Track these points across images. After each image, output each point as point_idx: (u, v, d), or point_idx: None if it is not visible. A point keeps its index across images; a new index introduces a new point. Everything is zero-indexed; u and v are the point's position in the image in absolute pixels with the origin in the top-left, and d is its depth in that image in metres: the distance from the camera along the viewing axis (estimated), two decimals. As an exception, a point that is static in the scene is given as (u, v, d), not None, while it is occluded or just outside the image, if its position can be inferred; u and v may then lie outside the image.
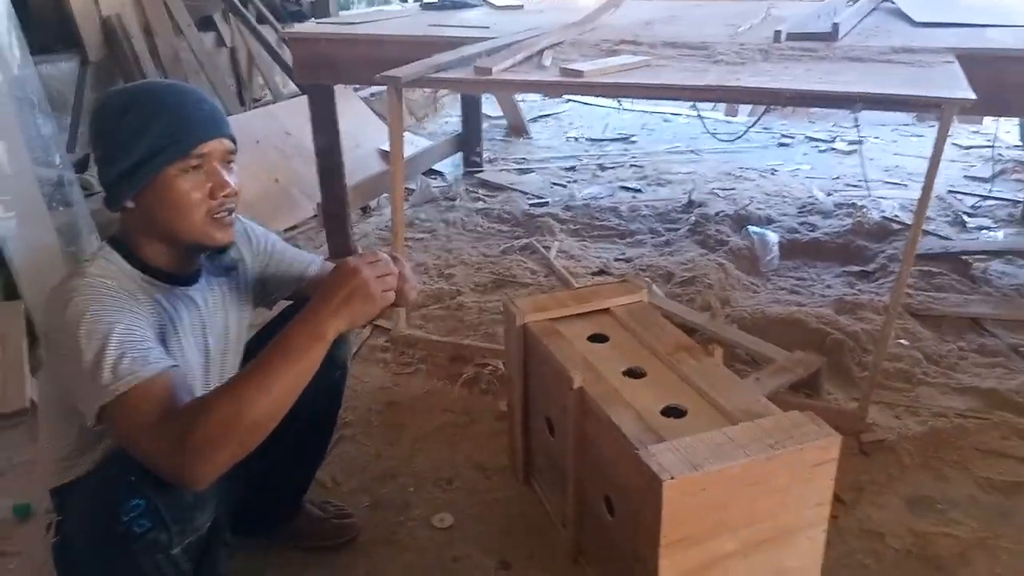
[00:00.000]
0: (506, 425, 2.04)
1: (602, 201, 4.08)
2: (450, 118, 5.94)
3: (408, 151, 3.69)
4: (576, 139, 5.46)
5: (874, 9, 3.26)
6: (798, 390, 2.29)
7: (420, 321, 2.77)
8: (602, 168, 4.73)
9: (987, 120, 5.19)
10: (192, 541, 1.22)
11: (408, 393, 2.37)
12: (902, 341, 2.55)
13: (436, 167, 4.56)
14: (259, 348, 1.18)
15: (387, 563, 1.73)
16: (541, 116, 6.07)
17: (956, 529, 1.79)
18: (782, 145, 5.17)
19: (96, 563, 1.18)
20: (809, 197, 4.03)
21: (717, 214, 3.71)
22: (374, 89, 5.01)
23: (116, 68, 3.92)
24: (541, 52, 2.53)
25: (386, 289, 1.23)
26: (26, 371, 2.37)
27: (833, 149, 5.04)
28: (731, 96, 2.20)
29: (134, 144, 1.22)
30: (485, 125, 5.07)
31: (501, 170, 4.68)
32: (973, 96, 1.81)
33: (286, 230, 3.65)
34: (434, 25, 3.14)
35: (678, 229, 3.62)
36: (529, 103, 6.20)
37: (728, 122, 5.70)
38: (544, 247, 3.41)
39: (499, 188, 4.30)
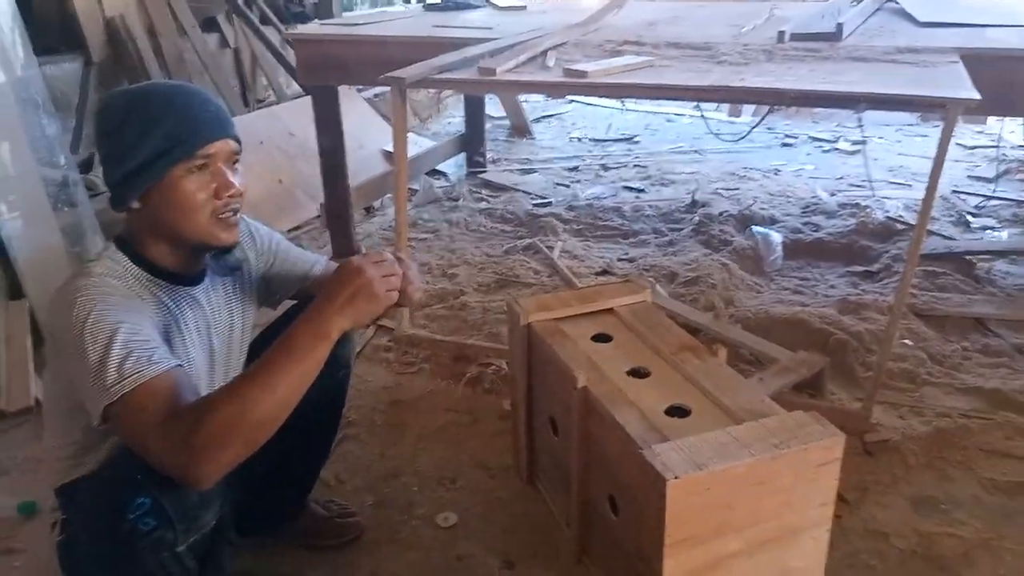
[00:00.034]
0: (510, 424, 2.04)
1: (605, 201, 4.08)
2: (453, 119, 5.94)
3: (411, 151, 3.70)
4: (579, 139, 5.46)
5: (878, 9, 3.26)
6: (801, 390, 2.28)
7: (424, 321, 2.78)
8: (605, 168, 4.73)
9: (991, 120, 5.17)
10: (197, 539, 1.22)
11: (412, 392, 2.37)
12: (906, 341, 2.54)
13: (439, 167, 4.56)
14: (263, 348, 1.18)
15: (391, 562, 1.73)
16: (544, 116, 6.07)
17: (960, 529, 1.79)
18: (785, 145, 5.17)
19: (101, 561, 1.19)
20: (813, 197, 4.02)
21: (721, 214, 3.71)
22: (377, 90, 5.02)
23: (120, 69, 3.93)
24: (545, 53, 2.53)
25: (390, 289, 1.23)
26: (31, 370, 2.37)
27: (837, 149, 5.03)
28: (735, 96, 2.20)
29: (139, 145, 1.23)
30: (488, 126, 5.08)
31: (504, 170, 4.68)
32: (977, 96, 1.81)
33: (290, 230, 3.66)
34: (438, 26, 3.14)
35: (682, 229, 3.62)
36: (532, 104, 6.20)
37: (731, 122, 5.69)
38: (547, 247, 3.41)
39: (502, 188, 4.31)
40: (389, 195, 3.98)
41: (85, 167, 3.39)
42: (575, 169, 4.73)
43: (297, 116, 4.17)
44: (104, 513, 1.16)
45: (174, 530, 1.17)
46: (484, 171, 4.57)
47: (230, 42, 4.75)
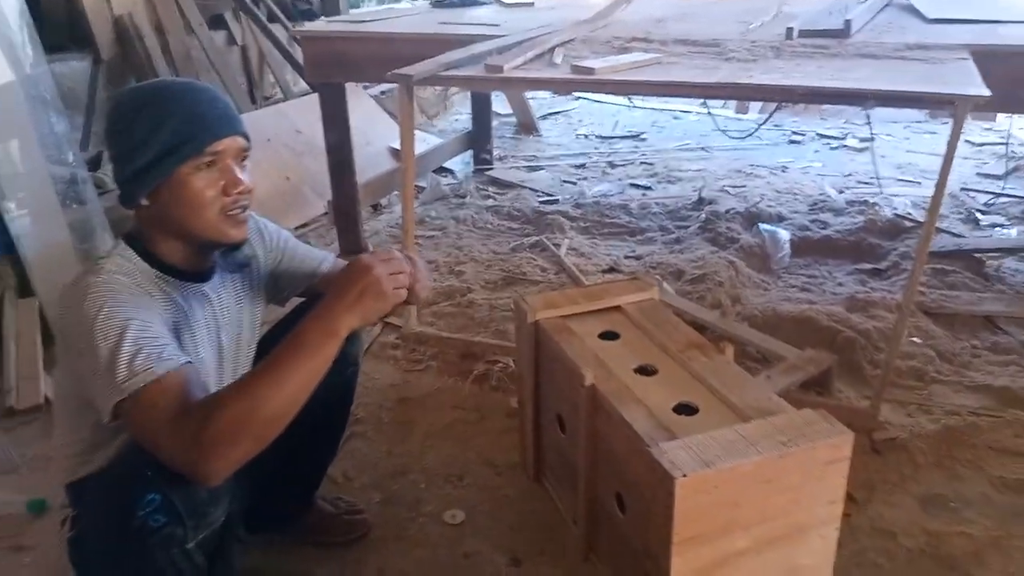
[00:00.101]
0: (517, 422, 2.04)
1: (612, 199, 4.07)
2: (460, 116, 5.94)
3: (418, 149, 3.70)
4: (586, 136, 5.45)
5: (886, 5, 3.24)
6: (809, 388, 2.28)
7: (431, 318, 2.78)
8: (612, 166, 4.73)
9: (1001, 117, 5.15)
10: (207, 536, 1.23)
11: (419, 390, 2.37)
12: (915, 339, 2.53)
13: (446, 165, 4.56)
14: (272, 345, 1.19)
15: (398, 559, 1.74)
16: (551, 113, 6.06)
17: (969, 528, 1.78)
18: (793, 142, 5.15)
19: (111, 558, 1.19)
20: (820, 194, 4.01)
21: (727, 211, 3.70)
22: (384, 87, 5.01)
23: (128, 67, 3.94)
24: (552, 50, 2.53)
25: (398, 287, 1.23)
26: (40, 368, 2.38)
27: (845, 146, 5.01)
28: (743, 93, 2.20)
29: (149, 142, 1.23)
30: (495, 123, 5.08)
31: (511, 168, 4.68)
32: (987, 93, 1.80)
33: (297, 228, 3.67)
34: (444, 23, 3.14)
35: (688, 227, 3.61)
36: (539, 100, 6.19)
37: (739, 119, 5.68)
38: (554, 244, 3.41)
39: (509, 186, 4.30)
40: (396, 192, 3.99)
41: (94, 164, 3.39)
42: (582, 166, 4.72)
43: (304, 113, 4.17)
44: (114, 509, 1.17)
45: (184, 527, 1.17)
46: (491, 168, 4.56)
47: (237, 39, 4.76)
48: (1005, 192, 3.96)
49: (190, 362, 1.19)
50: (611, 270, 3.21)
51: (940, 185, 1.86)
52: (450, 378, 2.43)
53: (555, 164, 4.77)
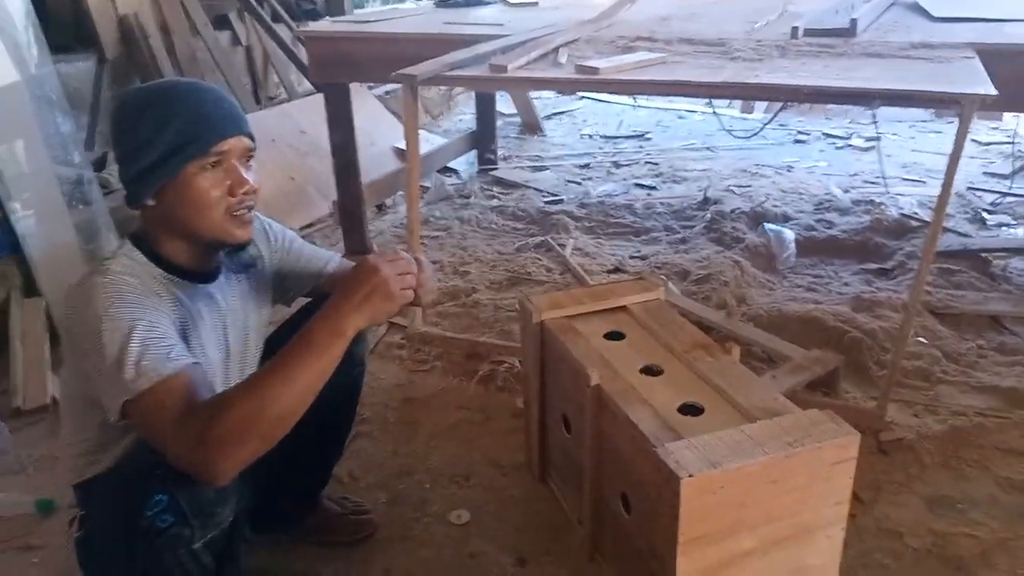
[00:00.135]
0: (522, 422, 2.04)
1: (617, 198, 4.07)
2: (464, 116, 5.94)
3: (423, 149, 3.70)
4: (590, 136, 5.45)
5: (892, 4, 3.23)
6: (815, 388, 2.28)
7: (436, 318, 2.78)
8: (617, 165, 4.72)
9: (1007, 116, 5.13)
10: (214, 536, 1.23)
11: (424, 390, 2.37)
12: (921, 339, 2.53)
13: (451, 165, 4.56)
14: (278, 345, 1.19)
15: (404, 559, 1.74)
16: (555, 113, 6.06)
17: (976, 529, 1.78)
18: (798, 142, 5.14)
19: (119, 558, 1.20)
20: (826, 194, 4.00)
21: (733, 211, 3.69)
22: (388, 87, 5.02)
23: (133, 67, 3.95)
24: (556, 49, 2.52)
25: (405, 287, 1.23)
26: (47, 368, 2.39)
27: (850, 146, 5.00)
28: (748, 93, 2.20)
29: (154, 142, 1.23)
30: (499, 123, 5.08)
31: (515, 168, 4.68)
32: (994, 92, 1.79)
33: (302, 228, 3.67)
34: (449, 23, 3.14)
35: (693, 226, 3.61)
36: (543, 100, 6.19)
37: (744, 119, 5.67)
38: (559, 245, 3.41)
39: (514, 186, 4.30)
40: (401, 193, 3.99)
41: (99, 165, 3.41)
42: (586, 166, 4.72)
43: (308, 114, 4.17)
44: (121, 510, 1.17)
45: (191, 527, 1.17)
46: (495, 168, 4.56)
47: (242, 40, 4.76)
48: (1012, 191, 3.94)
49: (197, 362, 1.19)
50: (616, 270, 3.21)
51: (947, 184, 1.85)
52: (455, 378, 2.43)
53: (559, 164, 4.77)
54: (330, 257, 1.63)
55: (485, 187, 4.28)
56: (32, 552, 1.78)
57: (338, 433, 1.75)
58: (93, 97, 3.76)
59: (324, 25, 3.38)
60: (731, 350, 1.68)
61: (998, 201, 3.85)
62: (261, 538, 1.74)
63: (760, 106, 5.71)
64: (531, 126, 5.55)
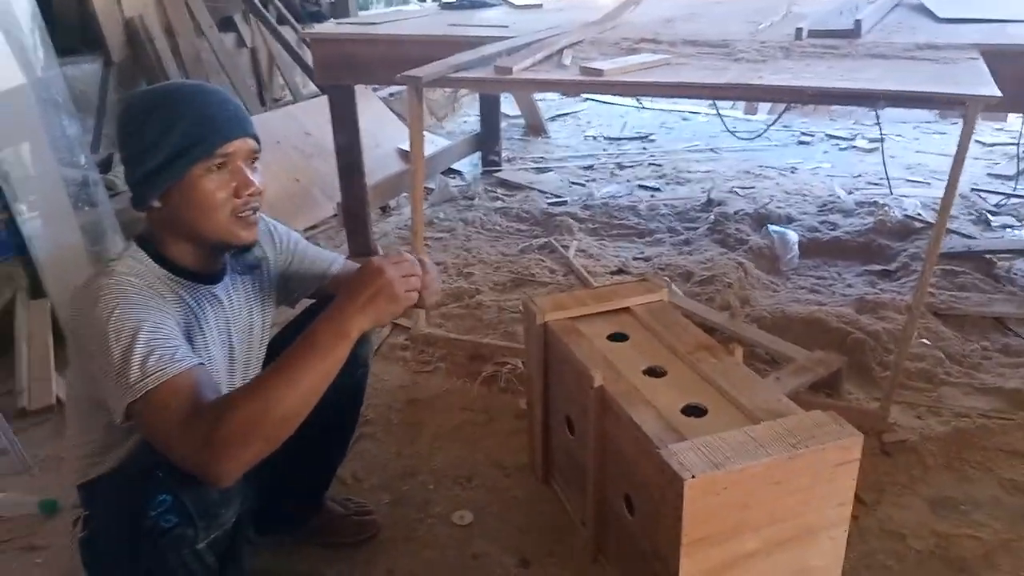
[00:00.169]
0: (525, 423, 2.04)
1: (620, 200, 4.07)
2: (468, 117, 5.95)
3: (427, 150, 3.70)
4: (594, 138, 5.45)
5: (896, 5, 3.23)
6: (818, 390, 2.27)
7: (439, 320, 2.78)
8: (620, 167, 4.72)
9: (1012, 117, 5.12)
10: (218, 536, 1.23)
11: (428, 391, 2.38)
12: (924, 341, 2.53)
13: (455, 166, 4.57)
14: (283, 346, 1.19)
15: (407, 560, 1.74)
16: (559, 115, 6.07)
17: (980, 531, 1.77)
18: (802, 143, 5.14)
19: (123, 558, 1.20)
20: (830, 195, 4.00)
21: (736, 213, 3.69)
22: (393, 89, 5.03)
23: (139, 69, 3.96)
24: (561, 51, 2.53)
25: (410, 289, 1.24)
26: (52, 368, 2.40)
27: (854, 147, 5.00)
28: (753, 94, 2.19)
29: (160, 144, 1.24)
30: (503, 124, 5.08)
31: (519, 169, 4.68)
32: (999, 93, 1.79)
33: (306, 229, 3.68)
34: (453, 25, 3.14)
35: (697, 228, 3.61)
36: (547, 102, 6.20)
37: (747, 120, 5.67)
38: (563, 246, 3.41)
39: (517, 187, 4.31)
40: (405, 194, 4.00)
41: (105, 167, 3.42)
42: (590, 168, 4.73)
43: (313, 115, 4.19)
44: (125, 510, 1.18)
45: (195, 527, 1.18)
46: (499, 170, 4.57)
47: (247, 42, 4.78)
48: (1016, 193, 3.94)
49: (202, 363, 1.20)
50: (620, 272, 3.21)
51: (951, 185, 1.85)
52: (459, 380, 2.43)
53: (563, 166, 4.77)
54: (334, 259, 1.63)
55: (489, 189, 4.29)
56: (35, 552, 1.78)
57: (342, 434, 1.75)
58: (99, 99, 3.78)
59: (329, 27, 3.40)
60: (734, 351, 1.69)
61: (1002, 202, 3.85)
62: (265, 539, 1.74)
63: (764, 107, 5.71)
64: (535, 128, 5.55)
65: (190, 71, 4.06)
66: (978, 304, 2.77)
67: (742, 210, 3.73)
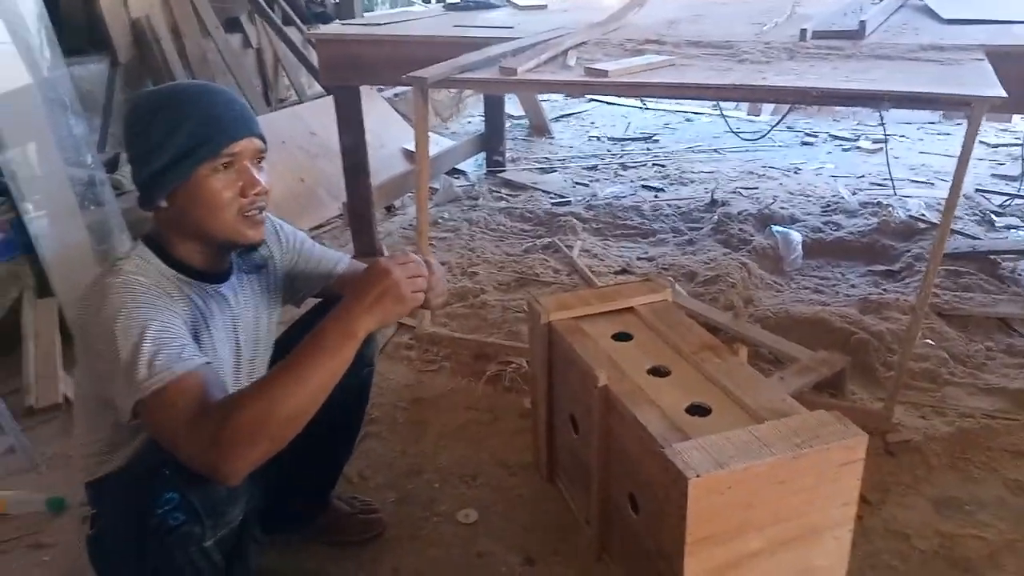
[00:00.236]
0: (530, 423, 2.05)
1: (624, 200, 4.08)
2: (473, 118, 5.95)
3: (432, 151, 3.71)
4: (598, 138, 5.46)
5: (901, 6, 3.23)
6: (822, 390, 2.28)
7: (444, 319, 2.79)
8: (624, 167, 4.73)
9: (1016, 118, 5.12)
10: (225, 535, 1.24)
11: (433, 390, 2.39)
12: (928, 341, 2.53)
13: (459, 166, 4.58)
14: (289, 345, 1.20)
15: (413, 558, 1.75)
16: (563, 116, 6.07)
17: (984, 531, 1.77)
18: (805, 144, 5.14)
19: (130, 556, 1.21)
20: (833, 196, 4.00)
21: (740, 213, 3.69)
22: (398, 89, 5.04)
23: (145, 69, 3.97)
24: (566, 52, 2.53)
25: (416, 290, 1.24)
26: (59, 367, 2.41)
27: (858, 148, 4.99)
28: (757, 95, 2.19)
29: (166, 144, 1.24)
30: (507, 125, 5.09)
31: (523, 169, 4.69)
32: (1004, 94, 1.79)
33: (312, 229, 3.69)
34: (458, 26, 3.15)
35: (701, 228, 3.61)
36: (551, 103, 6.20)
37: (751, 121, 5.67)
38: (567, 246, 3.42)
39: (522, 187, 4.32)
40: (410, 194, 4.01)
41: (111, 166, 3.43)
42: (594, 168, 4.73)
43: (318, 116, 4.20)
44: (133, 508, 1.19)
45: (202, 525, 1.19)
46: (503, 170, 4.58)
47: (252, 42, 4.79)
48: (1021, 193, 3.93)
49: (209, 363, 1.20)
50: (623, 272, 3.22)
51: (955, 186, 1.85)
52: (463, 379, 2.44)
53: (567, 166, 4.78)
54: (340, 258, 1.64)
55: (493, 189, 4.29)
56: (42, 550, 1.79)
57: (348, 433, 1.76)
58: (106, 99, 3.79)
59: (334, 28, 3.41)
60: (738, 351, 1.69)
61: (1007, 203, 3.85)
62: (271, 537, 1.75)
63: (767, 108, 5.72)
64: (539, 128, 5.56)
65: (196, 71, 4.07)
66: (982, 305, 2.77)
67: (746, 210, 3.73)
